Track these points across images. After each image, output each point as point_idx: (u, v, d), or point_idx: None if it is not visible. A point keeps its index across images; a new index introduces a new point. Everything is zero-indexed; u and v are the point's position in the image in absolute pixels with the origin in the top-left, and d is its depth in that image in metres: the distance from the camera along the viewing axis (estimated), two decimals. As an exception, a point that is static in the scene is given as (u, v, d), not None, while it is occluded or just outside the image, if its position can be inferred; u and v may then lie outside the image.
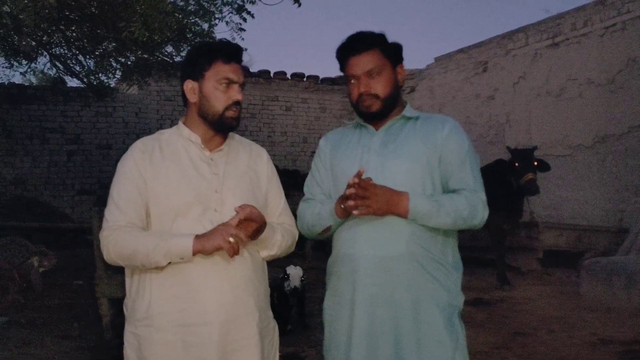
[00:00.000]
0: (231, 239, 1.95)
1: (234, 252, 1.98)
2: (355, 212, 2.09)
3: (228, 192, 2.11)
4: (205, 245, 1.97)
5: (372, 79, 2.25)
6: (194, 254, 1.99)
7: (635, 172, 9.05)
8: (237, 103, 2.14)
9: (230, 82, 2.13)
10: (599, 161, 9.68)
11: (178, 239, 2.00)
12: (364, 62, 2.25)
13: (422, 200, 2.15)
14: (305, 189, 2.45)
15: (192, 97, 2.16)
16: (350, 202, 2.08)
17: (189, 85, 2.16)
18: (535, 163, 7.43)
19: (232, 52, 2.16)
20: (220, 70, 2.12)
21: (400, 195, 2.13)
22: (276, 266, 6.78)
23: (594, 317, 5.84)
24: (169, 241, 2.00)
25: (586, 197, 9.87)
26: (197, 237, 1.99)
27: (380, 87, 2.25)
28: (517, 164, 7.39)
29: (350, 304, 2.21)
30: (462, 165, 2.25)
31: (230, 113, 2.13)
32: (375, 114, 2.29)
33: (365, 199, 2.08)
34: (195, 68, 2.15)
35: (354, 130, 2.41)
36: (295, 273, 5.33)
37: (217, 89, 2.12)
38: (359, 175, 2.08)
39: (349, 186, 2.09)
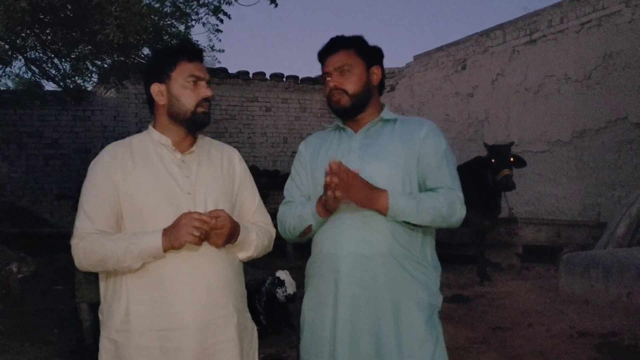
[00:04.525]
0: (195, 233, 1.97)
1: (200, 242, 2.01)
2: (337, 193, 2.07)
3: (200, 194, 2.12)
4: (173, 243, 1.99)
5: (342, 76, 2.31)
6: (165, 251, 2.01)
7: (612, 167, 9.16)
8: (206, 99, 2.16)
9: (197, 79, 2.14)
10: (577, 156, 9.78)
11: (146, 239, 2.00)
12: (336, 60, 2.32)
13: (402, 198, 2.19)
14: (285, 192, 2.47)
15: (161, 99, 2.15)
16: (329, 192, 2.09)
17: (156, 88, 2.15)
18: (512, 159, 7.51)
19: (194, 51, 2.19)
20: (186, 69, 2.14)
21: (380, 192, 2.17)
22: (257, 267, 6.76)
23: (572, 310, 5.91)
24: (138, 243, 2.00)
25: (564, 192, 9.97)
26: (165, 232, 2.00)
27: (349, 83, 2.31)
28: (493, 160, 7.46)
29: (334, 303, 2.23)
30: (439, 165, 2.29)
31: (201, 109, 2.14)
32: (345, 109, 2.33)
33: (344, 188, 2.08)
34: (160, 70, 2.15)
35: (333, 134, 2.44)
36: (289, 279, 5.21)
37: (185, 88, 2.13)
38: (335, 163, 2.08)
39: (326, 175, 2.09)
